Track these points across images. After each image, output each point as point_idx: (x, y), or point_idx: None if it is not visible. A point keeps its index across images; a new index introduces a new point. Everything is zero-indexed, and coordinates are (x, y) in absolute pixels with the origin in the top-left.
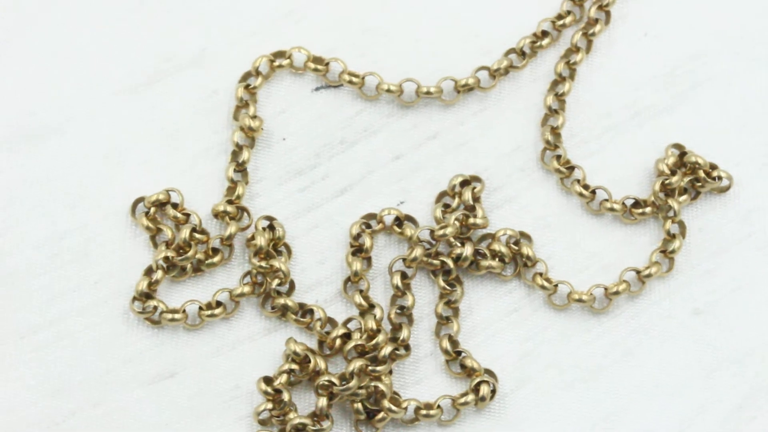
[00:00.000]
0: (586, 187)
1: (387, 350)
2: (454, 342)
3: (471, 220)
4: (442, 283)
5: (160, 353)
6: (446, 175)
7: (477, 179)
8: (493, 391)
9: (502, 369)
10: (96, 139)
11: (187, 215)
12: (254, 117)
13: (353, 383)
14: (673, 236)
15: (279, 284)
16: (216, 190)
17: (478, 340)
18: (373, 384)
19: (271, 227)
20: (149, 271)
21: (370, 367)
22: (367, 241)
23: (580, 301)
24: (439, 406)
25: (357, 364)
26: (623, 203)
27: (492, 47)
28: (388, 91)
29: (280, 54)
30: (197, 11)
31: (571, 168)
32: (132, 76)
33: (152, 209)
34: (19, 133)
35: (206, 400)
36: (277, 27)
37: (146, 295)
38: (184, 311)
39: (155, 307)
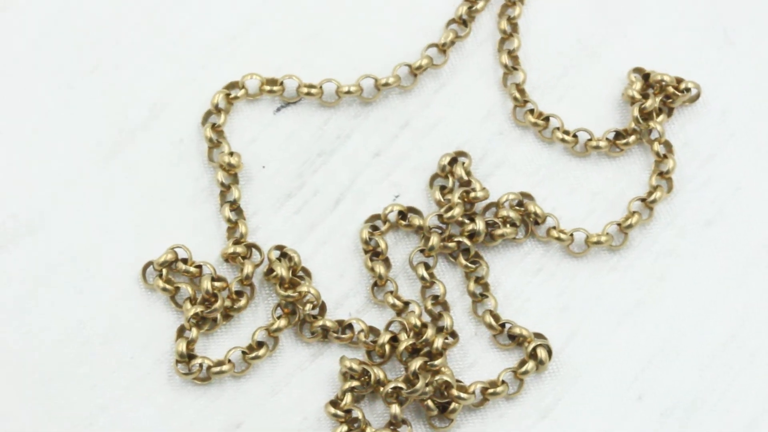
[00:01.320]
0: (566, 132)
1: (439, 342)
2: (495, 316)
3: (472, 195)
4: (465, 263)
5: (219, 408)
6: (430, 159)
7: (463, 154)
8: (550, 352)
9: (546, 329)
10: (83, 219)
11: (199, 267)
12: (231, 153)
13: (420, 384)
14: (664, 156)
15: (312, 308)
16: (216, 234)
17: (514, 307)
18: (437, 378)
19: (285, 255)
20: (182, 331)
21: (428, 363)
22: (381, 243)
23: (598, 243)
24: (503, 381)
25: (417, 363)
26: (606, 138)
27: (430, 23)
28: (348, 92)
29: (233, 85)
30: (136, 67)
31: (547, 118)
32: (96, 151)
33: (164, 270)
34: (5, 236)
35: None
36: (221, 59)
37: (188, 356)
38: (229, 360)
39: (200, 365)
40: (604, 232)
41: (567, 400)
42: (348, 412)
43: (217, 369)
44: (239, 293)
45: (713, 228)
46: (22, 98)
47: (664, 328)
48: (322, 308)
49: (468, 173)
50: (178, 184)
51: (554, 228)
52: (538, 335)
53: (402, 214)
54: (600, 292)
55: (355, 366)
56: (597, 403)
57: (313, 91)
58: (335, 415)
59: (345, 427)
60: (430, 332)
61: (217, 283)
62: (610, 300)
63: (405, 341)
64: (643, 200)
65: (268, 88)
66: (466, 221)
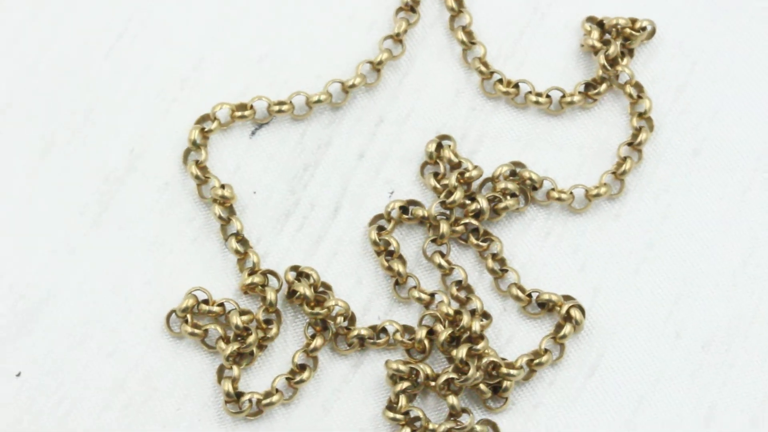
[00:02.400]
0: (539, 94)
1: (476, 326)
2: (521, 287)
3: (467, 175)
4: (477, 242)
5: None
6: (413, 149)
7: (446, 137)
8: (583, 311)
9: (570, 289)
10: (92, 283)
11: (221, 304)
12: (222, 186)
13: (472, 370)
14: (638, 98)
15: (343, 320)
16: (227, 269)
17: (534, 276)
18: (484, 361)
19: (303, 274)
20: (223, 371)
21: (472, 348)
22: (392, 242)
23: (597, 195)
24: (546, 349)
25: (463, 351)
26: (579, 92)
27: (375, 17)
28: (318, 101)
29: (204, 118)
30: (105, 122)
31: (516, 85)
32: (85, 213)
33: (188, 316)
34: (21, 317)
35: None
36: (183, 96)
37: (236, 394)
38: (277, 390)
39: (250, 401)
40: (601, 183)
41: (609, 353)
42: (406, 413)
43: (267, 401)
44: (268, 321)
45: (702, 156)
46: None
47: (680, 264)
48: (352, 318)
49: (456, 155)
50: (175, 228)
51: (553, 190)
52: (567, 297)
53: (404, 209)
54: (611, 242)
55: (401, 367)
56: (638, 350)
57: (284, 108)
58: (394, 419)
59: (408, 429)
60: (465, 318)
61: (244, 317)
62: (623, 248)
63: (444, 332)
64: (630, 144)
65: (239, 113)
66: (468, 202)
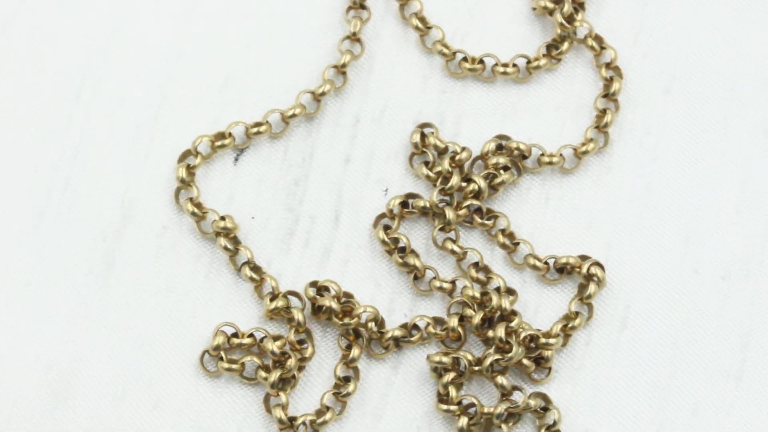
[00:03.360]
0: (505, 65)
1: (506, 303)
2: (536, 257)
3: (457, 158)
4: (482, 221)
5: None
6: (395, 144)
7: (427, 125)
8: (603, 268)
9: (583, 249)
10: (119, 340)
11: (251, 335)
12: (223, 218)
13: (515, 348)
14: (601, 49)
15: (375, 324)
16: (244, 299)
17: (544, 243)
18: (523, 336)
19: (323, 288)
20: (269, 400)
21: (509, 326)
22: (401, 238)
23: (585, 152)
24: (576, 312)
25: (501, 330)
26: (542, 55)
27: (326, 21)
28: (293, 116)
29: (186, 154)
30: (87, 173)
31: (481, 61)
32: (91, 272)
33: (221, 353)
34: (59, 388)
35: None
36: (159, 133)
37: (289, 420)
38: (327, 407)
39: (304, 423)
40: (587, 139)
41: (635, 303)
42: (459, 403)
43: (321, 420)
44: (300, 342)
45: (674, 94)
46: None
47: (681, 202)
48: (381, 321)
49: (441, 140)
50: (184, 270)
51: (542, 155)
52: (583, 257)
53: (404, 204)
54: (609, 195)
55: (443, 359)
56: (662, 293)
57: (261, 129)
58: (448, 411)
59: (464, 419)
60: (494, 298)
61: (278, 342)
62: (622, 198)
63: (475, 315)
64: (605, 96)
65: (219, 143)
66: (464, 184)
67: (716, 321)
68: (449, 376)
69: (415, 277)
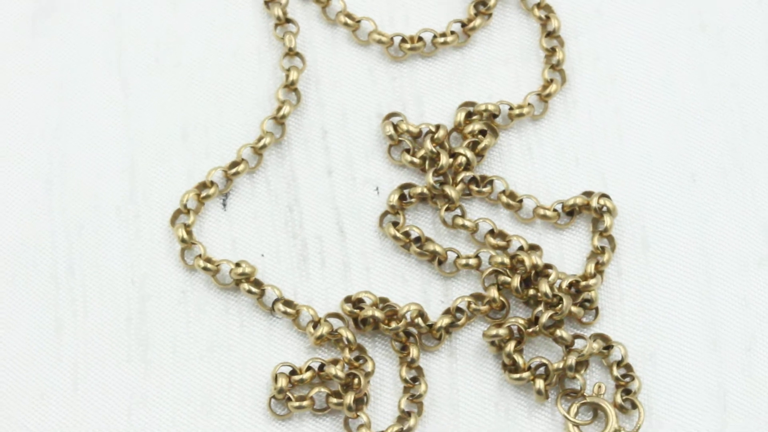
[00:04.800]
0: (443, 35)
1: (537, 260)
2: (544, 207)
3: (436, 136)
4: (480, 189)
5: None
6: (367, 143)
7: (393, 114)
8: (609, 197)
9: (582, 187)
10: (179, 417)
11: (309, 368)
12: (237, 264)
13: (565, 299)
14: (547, 18)
15: (422, 320)
16: (286, 334)
17: (545, 191)
18: (564, 285)
19: (359, 301)
20: (349, 423)
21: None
22: (413, 230)
23: (549, 95)
24: (601, 247)
25: (545, 286)
26: (474, 14)
27: (256, 44)
28: (264, 146)
29: (178, 213)
30: (86, 263)
31: (420, 38)
32: (131, 357)
33: (287, 394)
34: None
35: None
36: (139, 205)
37: None
38: (408, 412)
39: None
40: (546, 81)
41: (648, 221)
42: (528, 368)
43: (407, 427)
44: (358, 359)
45: (606, 11)
46: None
47: (653, 112)
48: (425, 315)
49: (412, 125)
50: (219, 327)
51: (511, 109)
52: (588, 193)
53: (402, 197)
54: (584, 127)
55: (499, 331)
56: (669, 203)
57: (239, 168)
58: (521, 379)
59: (539, 381)
60: (524, 258)
61: (338, 365)
62: (598, 125)
63: (513, 279)
64: (548, 35)
65: (203, 194)
66: (451, 159)
67: (734, 209)
68: (510, 345)
69: (439, 262)
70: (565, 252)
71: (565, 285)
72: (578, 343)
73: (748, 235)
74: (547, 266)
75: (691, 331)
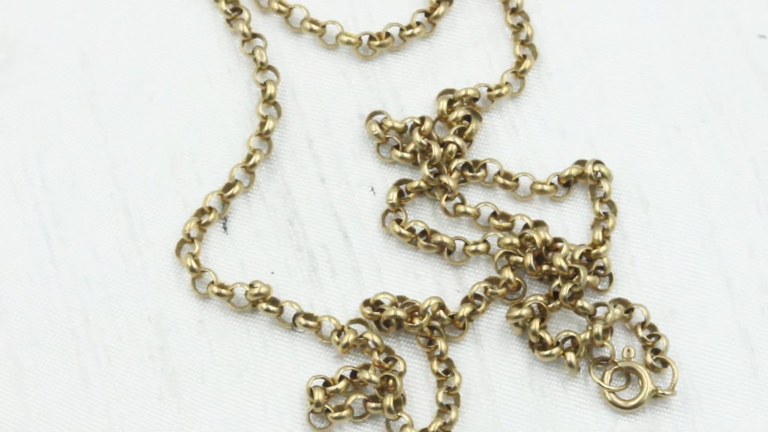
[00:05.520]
0: (409, 27)
1: (546, 235)
2: (540, 182)
3: (423, 129)
4: (474, 174)
5: None
6: (356, 143)
7: (376, 113)
8: (602, 162)
9: (572, 157)
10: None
11: (341, 377)
12: (251, 285)
13: (582, 271)
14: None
15: (444, 313)
16: (311, 347)
17: (537, 167)
18: (577, 256)
19: (378, 303)
20: (390, 425)
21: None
22: (417, 225)
23: (525, 71)
24: (604, 214)
25: (559, 260)
26: (437, 2)
27: (225, 64)
28: (254, 165)
29: (182, 244)
30: (110, 305)
31: (387, 34)
32: (162, 397)
33: (326, 406)
34: None
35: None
36: (140, 243)
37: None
38: (447, 406)
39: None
40: (519, 57)
41: (643, 179)
42: (557, 343)
43: (449, 420)
44: (388, 360)
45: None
46: None
47: (630, 73)
48: (445, 307)
49: (396, 120)
50: (242, 350)
51: (489, 90)
52: (581, 162)
53: (400, 193)
54: (564, 97)
55: (521, 312)
56: (659, 160)
57: (234, 190)
58: (550, 355)
59: (570, 354)
60: (533, 235)
61: (370, 370)
62: (577, 94)
63: (525, 257)
64: (513, 11)
65: (204, 221)
66: (442, 149)
67: (723, 153)
68: (535, 323)
69: (448, 252)
70: (568, 224)
71: (577, 256)
72: (600, 311)
73: (741, 178)
74: (557, 240)
75: (706, 282)
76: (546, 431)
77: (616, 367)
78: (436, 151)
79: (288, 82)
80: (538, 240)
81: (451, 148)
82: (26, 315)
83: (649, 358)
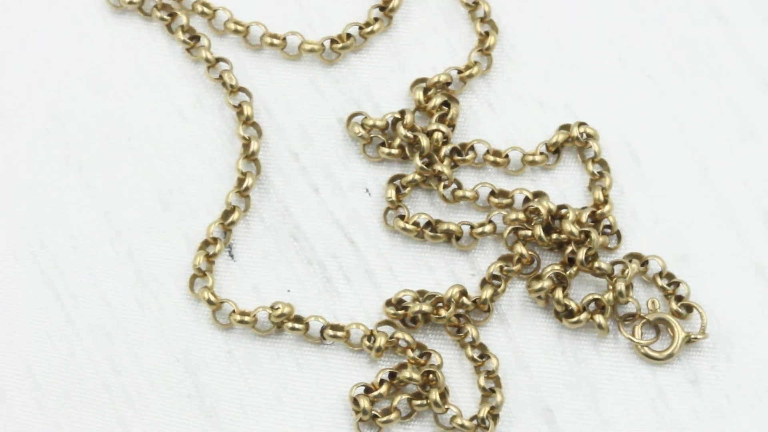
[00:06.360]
0: (368, 24)
1: (549, 204)
2: (530, 153)
3: (406, 122)
4: (465, 158)
5: None
6: (340, 149)
7: (355, 114)
8: (586, 123)
9: (557, 122)
10: None
11: (381, 381)
12: (273, 307)
13: (594, 233)
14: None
15: (467, 299)
16: (344, 356)
17: (523, 141)
18: (584, 219)
19: (400, 301)
20: (438, 418)
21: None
22: (421, 218)
23: (490, 48)
24: (599, 173)
25: (569, 226)
26: None
27: (195, 93)
28: (247, 188)
29: (194, 278)
30: (135, 355)
31: (348, 35)
32: (203, 427)
33: (372, 411)
34: None
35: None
36: (146, 283)
37: (481, 420)
38: (491, 389)
39: (487, 416)
40: (481, 35)
41: (628, 132)
42: (584, 309)
43: (495, 404)
44: (423, 355)
45: None
46: None
47: (595, 32)
48: (467, 294)
49: (376, 119)
50: (276, 372)
51: (460, 72)
52: (564, 127)
53: (396, 189)
54: (534, 66)
55: (543, 285)
56: (638, 106)
57: (234, 216)
58: (578, 322)
59: (599, 316)
60: (539, 206)
61: (409, 368)
62: (545, 61)
63: (534, 229)
64: (482, 20)
65: (211, 252)
66: (429, 141)
67: (698, 92)
68: (558, 292)
69: (456, 239)
70: (564, 190)
71: (584, 219)
72: (617, 269)
73: (721, 114)
74: (561, 207)
75: (710, 222)
76: (588, 396)
77: (644, 320)
78: (425, 141)
79: (259, 100)
80: (543, 210)
81: (437, 135)
82: (56, 377)
83: (674, 306)
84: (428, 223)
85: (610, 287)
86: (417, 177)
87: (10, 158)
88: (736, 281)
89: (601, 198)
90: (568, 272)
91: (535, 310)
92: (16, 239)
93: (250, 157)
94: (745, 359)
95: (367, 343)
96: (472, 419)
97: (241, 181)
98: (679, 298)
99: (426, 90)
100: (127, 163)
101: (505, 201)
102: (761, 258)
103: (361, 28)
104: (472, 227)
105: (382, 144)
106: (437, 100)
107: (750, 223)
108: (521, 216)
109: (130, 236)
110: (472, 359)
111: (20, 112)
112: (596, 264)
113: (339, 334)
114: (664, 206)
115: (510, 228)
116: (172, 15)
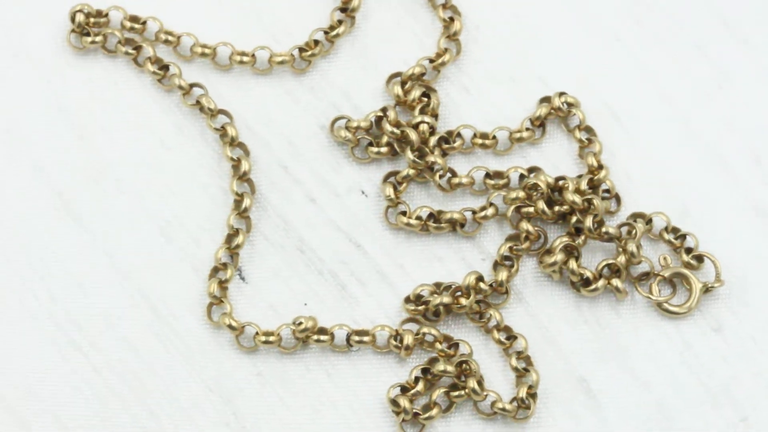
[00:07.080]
0: (332, 28)
1: (546, 179)
2: (517, 130)
3: (390, 119)
4: (451, 146)
5: None
6: (329, 154)
7: (339, 118)
8: (567, 93)
9: (536, 97)
10: None
11: (416, 379)
12: (296, 323)
13: (596, 199)
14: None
15: (487, 286)
16: (373, 360)
17: (506, 119)
18: (583, 187)
19: (418, 296)
20: (478, 406)
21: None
22: (424, 210)
23: (456, 33)
24: (588, 140)
25: (570, 195)
26: None
27: (178, 123)
28: (246, 210)
29: (211, 306)
30: (166, 385)
31: (316, 42)
32: None
33: (413, 410)
34: None
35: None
36: (161, 317)
37: (520, 401)
38: (524, 369)
39: (527, 396)
40: (446, 21)
41: (611, 98)
42: (600, 275)
43: (532, 382)
44: (451, 346)
45: None
46: None
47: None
48: (484, 279)
49: (359, 120)
50: (307, 387)
51: (432, 62)
52: (545, 99)
53: (392, 186)
54: (507, 45)
55: (555, 258)
56: (619, 74)
57: (239, 240)
58: (596, 290)
59: (616, 280)
60: (537, 181)
61: (441, 361)
62: (518, 36)
63: (537, 204)
64: (444, 6)
65: (223, 278)
66: (416, 136)
67: (666, 46)
68: (572, 263)
69: (461, 226)
70: (555, 161)
71: (584, 187)
72: (623, 232)
73: (691, 64)
74: (559, 178)
75: (703, 172)
76: (618, 359)
77: (659, 277)
78: (414, 135)
79: (238, 118)
80: (542, 185)
81: (424, 127)
82: (91, 429)
83: (685, 258)
84: (431, 215)
85: (621, 250)
86: (411, 171)
87: (2, 214)
88: (738, 225)
89: (595, 164)
90: (577, 242)
91: (550, 285)
92: (23, 295)
93: (243, 177)
94: (763, 299)
95: (395, 342)
96: (511, 401)
97: (238, 203)
98: (688, 250)
99: (403, 84)
100: (120, 203)
101: (502, 182)
102: (759, 200)
103: (326, 32)
104: (474, 212)
105: (370, 144)
106: (416, 92)
107: (742, 166)
108: (521, 194)
109: (138, 275)
110: (500, 342)
111: (4, 168)
112: (603, 229)
113: (365, 339)
114: (655, 162)
115: (512, 207)
116: (137, 48)
